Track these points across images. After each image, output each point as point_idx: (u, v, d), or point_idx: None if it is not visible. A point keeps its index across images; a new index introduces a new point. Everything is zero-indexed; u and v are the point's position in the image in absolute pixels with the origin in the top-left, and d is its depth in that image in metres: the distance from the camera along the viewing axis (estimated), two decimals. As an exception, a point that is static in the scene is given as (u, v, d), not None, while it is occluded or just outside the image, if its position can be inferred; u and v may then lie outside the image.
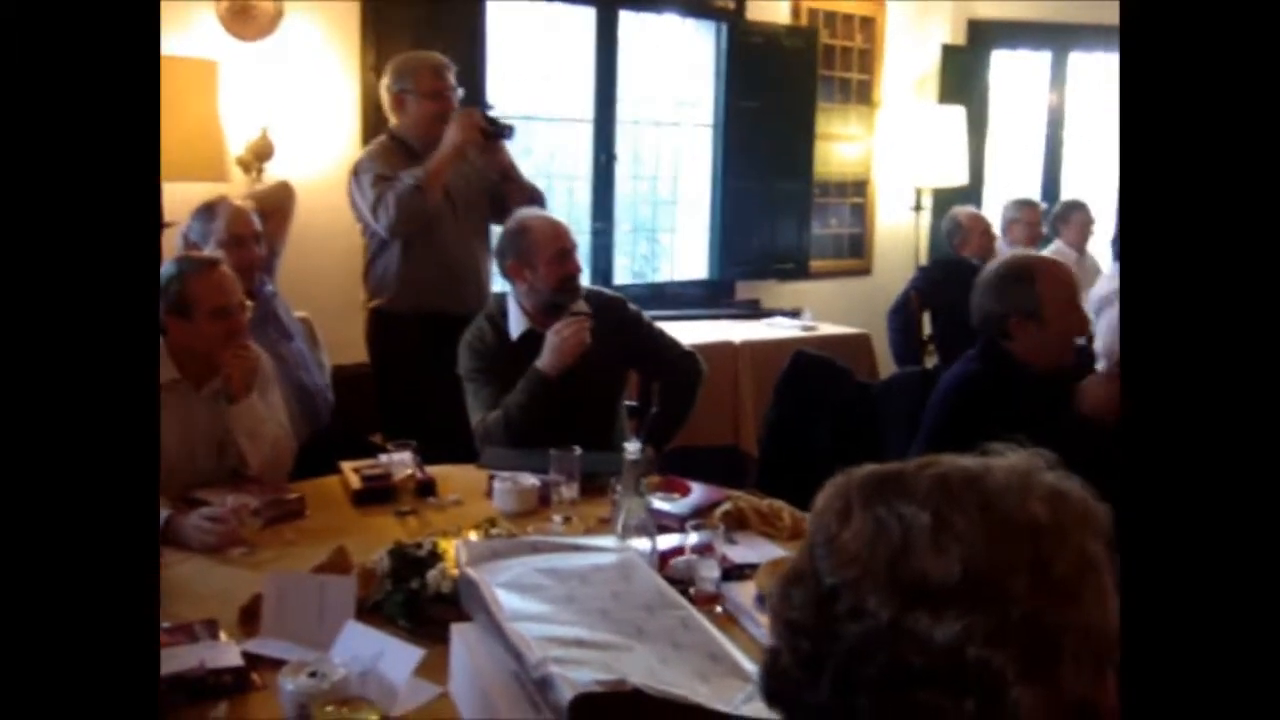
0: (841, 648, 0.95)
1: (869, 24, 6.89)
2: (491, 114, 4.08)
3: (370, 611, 2.12)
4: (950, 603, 0.92)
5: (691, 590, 2.26)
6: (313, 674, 1.76)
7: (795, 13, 6.50)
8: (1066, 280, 2.87)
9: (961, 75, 7.31)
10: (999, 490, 0.98)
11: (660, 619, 1.70)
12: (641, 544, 2.29)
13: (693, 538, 2.46)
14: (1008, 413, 2.67)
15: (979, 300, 2.87)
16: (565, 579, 1.78)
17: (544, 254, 3.31)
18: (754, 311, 6.10)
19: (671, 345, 3.57)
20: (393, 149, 4.00)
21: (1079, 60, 7.72)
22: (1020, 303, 2.80)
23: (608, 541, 2.13)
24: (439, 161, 3.86)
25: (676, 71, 6.28)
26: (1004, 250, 6.00)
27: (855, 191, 6.97)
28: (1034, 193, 7.42)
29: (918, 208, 6.91)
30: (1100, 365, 4.63)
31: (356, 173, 3.96)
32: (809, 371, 3.62)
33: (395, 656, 1.85)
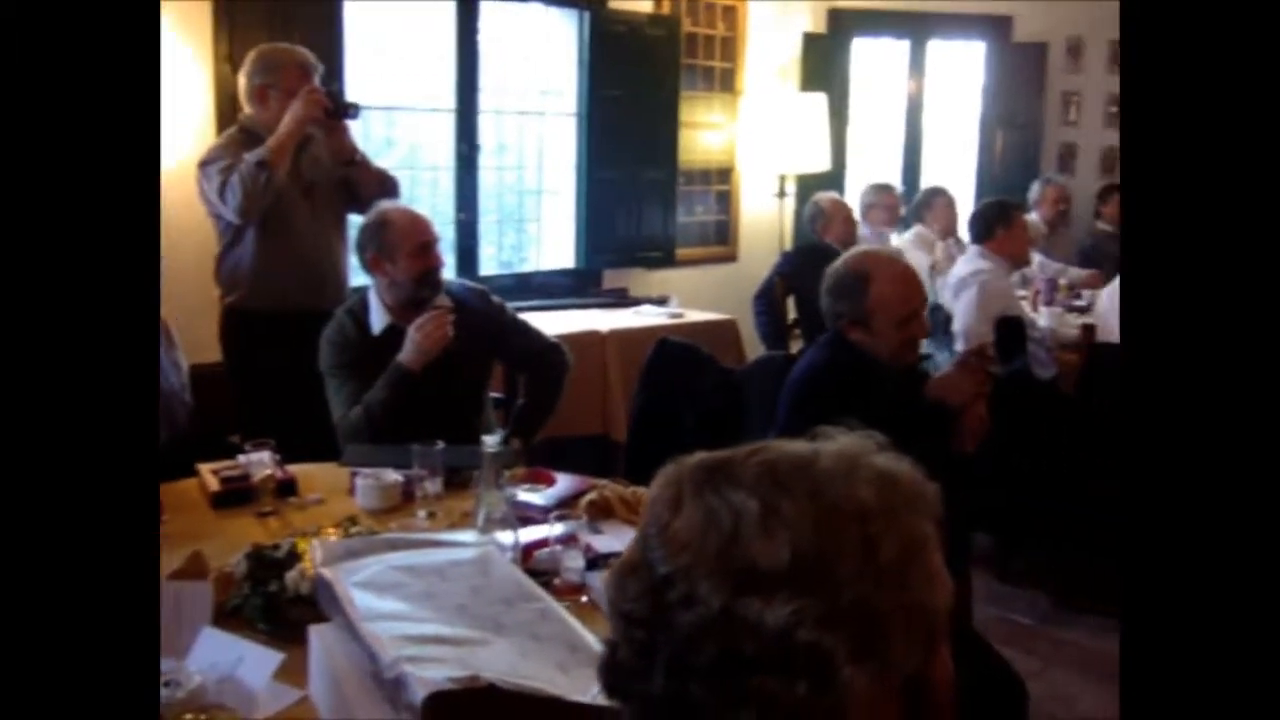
0: (675, 637, 0.95)
1: (731, 12, 6.95)
2: (335, 92, 4.00)
3: (229, 616, 2.08)
4: (780, 588, 0.93)
5: (556, 581, 2.26)
6: (167, 683, 1.72)
7: (658, 1, 6.52)
8: (900, 297, 2.90)
9: (823, 63, 7.42)
10: (827, 475, 0.99)
11: (519, 612, 1.70)
12: (504, 537, 2.29)
13: (557, 529, 2.46)
14: (857, 399, 2.73)
15: (823, 292, 2.92)
16: (423, 575, 1.77)
17: (404, 247, 3.28)
18: (621, 300, 6.12)
19: (536, 337, 3.56)
20: (241, 141, 3.89)
21: (937, 48, 7.90)
22: (851, 309, 2.86)
23: (468, 536, 2.12)
24: (281, 138, 3.76)
25: (539, 60, 6.25)
26: (865, 234, 6.13)
27: (720, 179, 7.03)
28: (895, 178, 7.58)
29: (782, 194, 6.99)
30: (958, 346, 4.76)
31: (204, 164, 3.84)
32: (673, 359, 3.65)
33: (254, 661, 1.82)
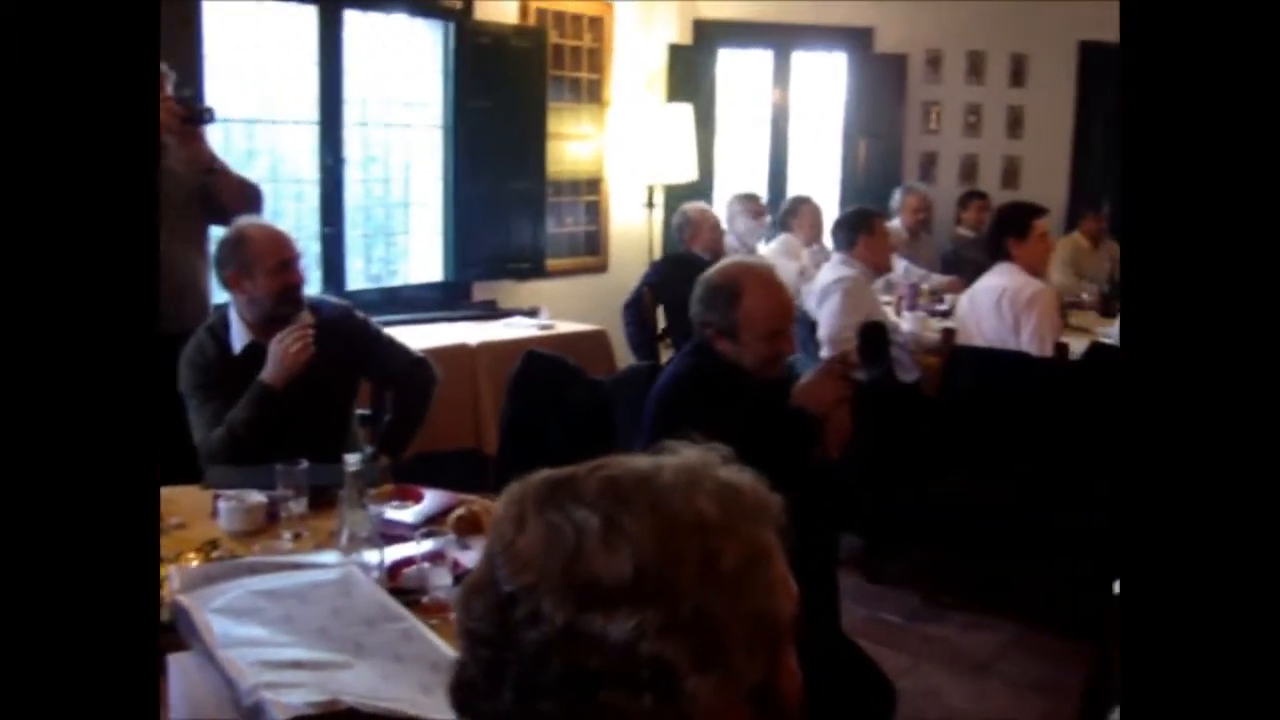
0: (522, 654, 0.96)
1: (597, 23, 6.98)
2: (187, 98, 3.87)
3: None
4: (622, 602, 0.94)
5: (425, 599, 2.25)
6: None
7: (523, 12, 6.52)
8: (769, 313, 2.92)
9: (689, 74, 7.50)
10: (668, 489, 1.00)
11: (381, 633, 1.69)
12: (369, 556, 2.27)
13: (424, 546, 2.44)
14: (721, 407, 2.77)
15: (694, 300, 2.95)
16: (283, 599, 1.74)
17: (264, 264, 3.22)
18: (491, 312, 6.10)
19: (402, 351, 3.53)
20: None
21: (801, 59, 8.04)
22: (720, 319, 2.88)
23: (331, 557, 2.10)
24: None
25: (405, 72, 6.20)
26: (732, 243, 6.19)
27: (589, 190, 7.05)
28: (761, 187, 7.69)
29: (650, 204, 7.05)
30: (824, 352, 4.84)
31: None
32: (540, 371, 3.65)
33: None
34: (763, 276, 3.01)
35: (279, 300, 3.24)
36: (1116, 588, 2.06)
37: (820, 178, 8.14)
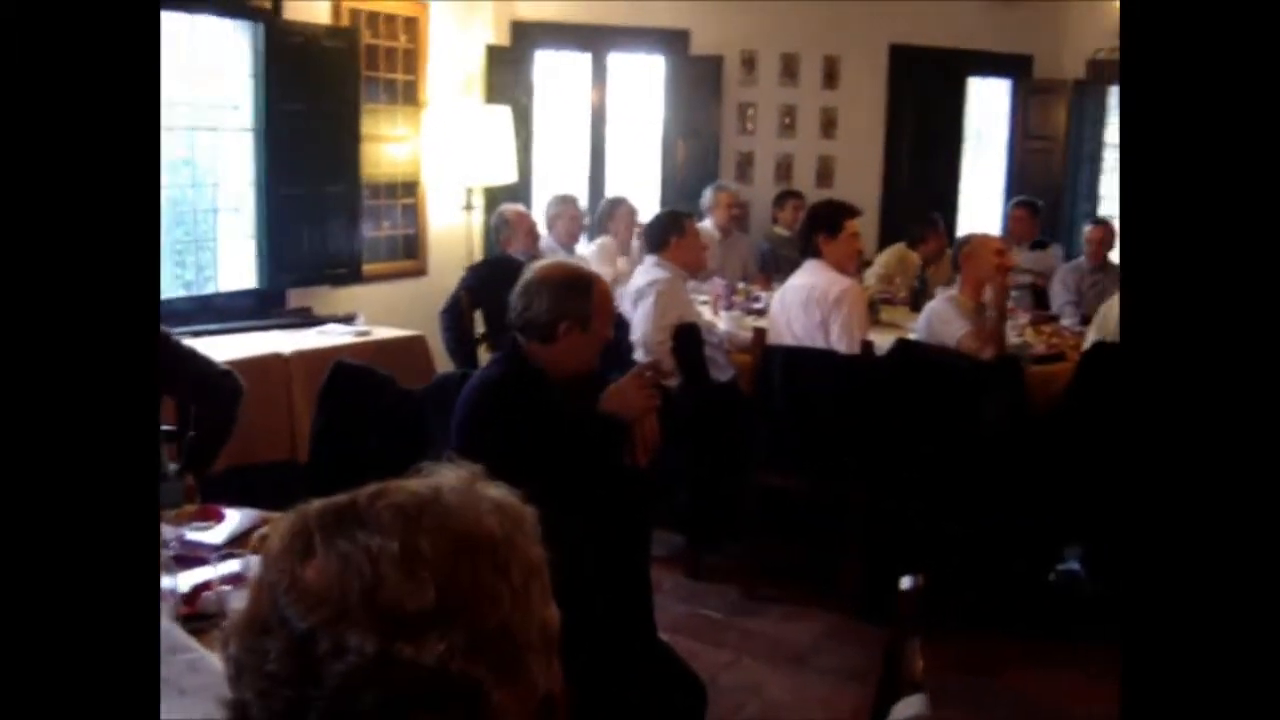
0: (327, 690, 0.95)
1: (412, 24, 6.90)
2: None
3: None
4: (430, 626, 0.95)
5: (224, 624, 2.19)
6: None
7: (335, 13, 6.40)
8: (609, 295, 3.01)
9: (506, 75, 7.47)
10: (455, 509, 1.02)
11: (166, 666, 1.65)
12: (162, 582, 2.21)
13: (223, 568, 2.39)
14: (529, 414, 2.77)
15: (525, 302, 2.91)
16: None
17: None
18: (306, 320, 5.96)
19: (205, 365, 3.43)
20: None
21: (618, 60, 8.08)
22: (575, 309, 2.88)
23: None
24: None
25: (213, 74, 6.02)
26: (549, 245, 6.20)
27: (406, 192, 6.97)
28: (581, 189, 7.72)
29: (469, 207, 7.00)
30: (638, 355, 4.89)
31: None
32: (350, 382, 3.59)
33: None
34: (592, 271, 3.10)
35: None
36: (906, 581, 2.13)
37: (640, 178, 8.21)
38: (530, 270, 2.97)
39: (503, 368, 2.92)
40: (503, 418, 2.77)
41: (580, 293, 2.89)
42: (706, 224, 7.29)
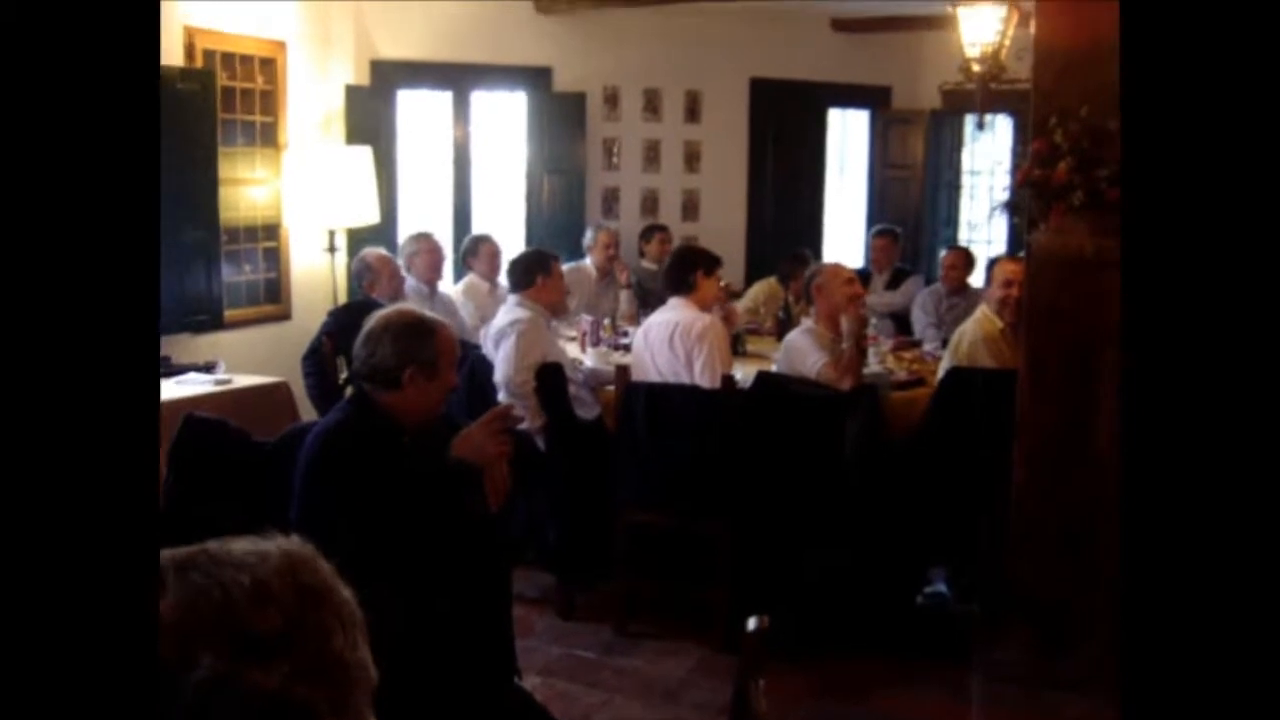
0: (182, 702, 1.02)
1: (269, 65, 6.81)
2: None
3: None
4: (276, 650, 1.04)
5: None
6: None
7: (189, 54, 6.28)
8: (453, 340, 2.99)
9: (367, 115, 7.41)
10: (297, 559, 1.14)
11: None
12: None
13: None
14: (377, 461, 2.75)
15: (369, 349, 2.89)
16: None
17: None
18: (164, 369, 5.82)
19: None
20: None
21: (480, 98, 8.08)
22: (419, 355, 2.87)
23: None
24: None
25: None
26: (414, 288, 6.14)
27: (267, 236, 6.86)
28: (446, 227, 7.69)
29: (332, 249, 6.91)
30: (501, 396, 4.87)
31: None
32: (201, 436, 3.51)
33: None
34: (435, 316, 3.08)
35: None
36: (750, 622, 2.15)
37: (505, 216, 8.21)
38: (373, 318, 2.96)
39: (347, 415, 2.90)
40: (347, 465, 2.74)
41: (424, 339, 2.89)
42: (587, 263, 7.32)
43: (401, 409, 2.88)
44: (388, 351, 2.88)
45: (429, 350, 2.88)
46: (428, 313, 3.14)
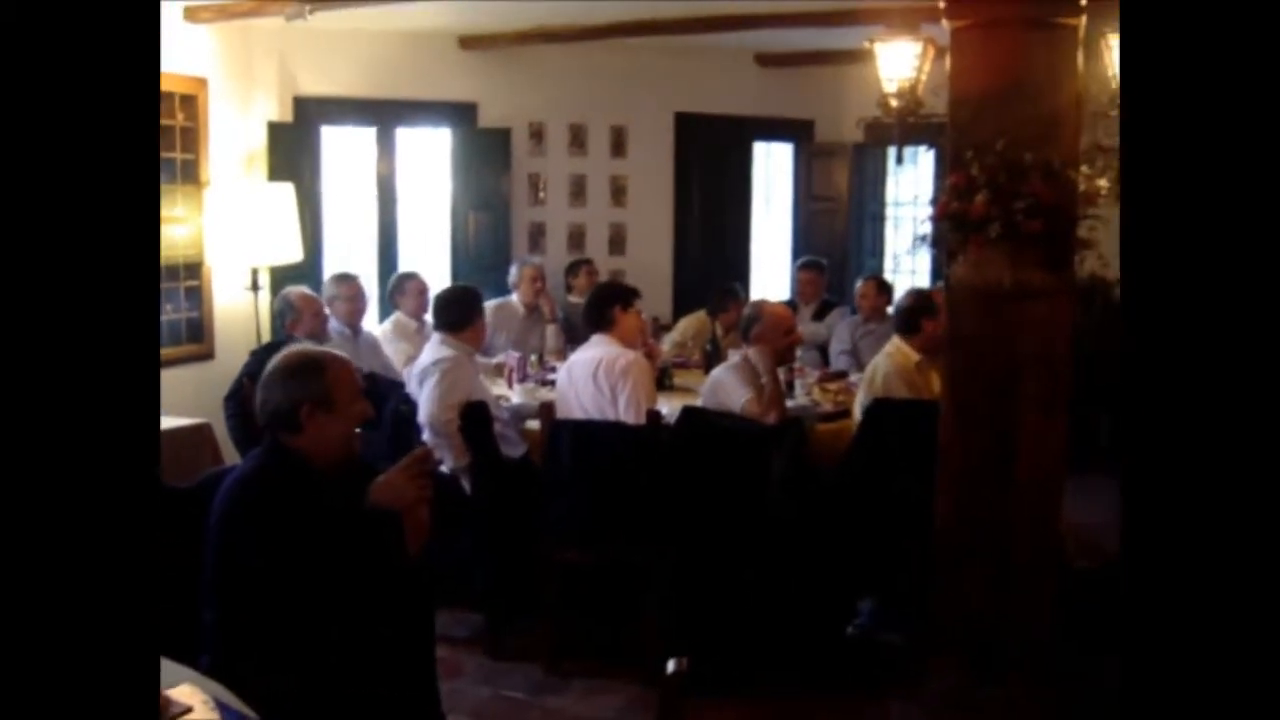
0: None
1: (190, 101, 6.74)
2: None
3: None
4: None
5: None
6: None
7: (106, 93, 6.20)
8: (352, 372, 2.95)
9: (290, 152, 7.35)
10: None
11: None
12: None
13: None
14: (293, 507, 2.71)
15: (264, 395, 2.87)
16: None
17: None
18: (82, 412, 5.72)
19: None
20: None
21: (405, 134, 8.05)
22: (312, 392, 2.84)
23: None
24: None
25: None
26: (336, 327, 6.08)
27: (189, 274, 6.77)
28: (371, 264, 7.64)
29: (255, 287, 6.83)
30: (425, 436, 4.83)
31: None
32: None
33: None
34: (325, 350, 3.07)
35: None
36: (669, 665, 2.13)
37: (431, 252, 8.17)
38: (268, 365, 2.93)
39: (260, 462, 2.85)
40: (263, 512, 2.70)
41: (314, 374, 2.86)
42: (513, 299, 7.29)
43: (311, 450, 2.84)
44: (281, 394, 2.86)
45: (321, 386, 2.85)
46: (319, 348, 3.13)
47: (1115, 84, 4.75)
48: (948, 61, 3.96)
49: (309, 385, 2.85)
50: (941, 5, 3.88)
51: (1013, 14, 3.79)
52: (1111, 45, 4.71)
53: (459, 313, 5.17)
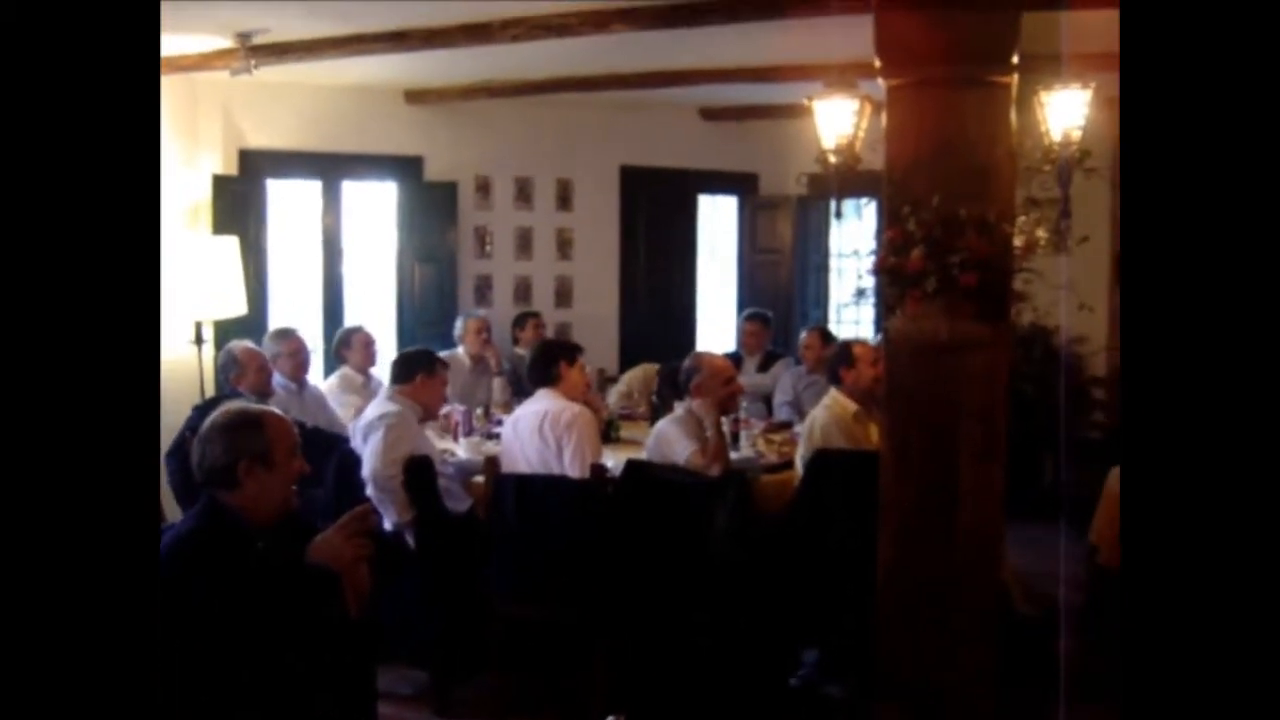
0: None
1: (133, 156, 6.71)
2: None
3: None
4: None
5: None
6: None
7: (47, 147, 6.16)
8: (290, 429, 2.93)
9: (235, 205, 7.35)
10: None
11: None
12: None
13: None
14: (230, 567, 2.69)
15: (201, 452, 2.84)
16: None
17: None
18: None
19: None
20: None
21: (351, 188, 8.06)
22: (250, 447, 2.81)
23: None
24: None
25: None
26: (278, 380, 6.04)
27: (132, 328, 6.71)
28: (316, 317, 7.62)
29: (199, 341, 6.79)
30: (369, 491, 4.81)
31: None
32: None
33: None
34: (263, 407, 3.06)
35: None
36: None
37: (377, 305, 8.16)
38: (206, 421, 2.91)
39: (197, 521, 2.82)
40: (199, 573, 2.67)
41: (252, 429, 2.84)
42: (459, 352, 7.29)
43: (248, 507, 2.81)
44: (218, 450, 2.82)
45: (260, 441, 2.82)
46: (257, 405, 3.12)
47: (1048, 139, 4.85)
48: (884, 118, 4.04)
49: (248, 441, 2.82)
50: (877, 64, 3.96)
51: (946, 73, 3.88)
52: (1044, 102, 4.82)
53: (404, 367, 5.16)
